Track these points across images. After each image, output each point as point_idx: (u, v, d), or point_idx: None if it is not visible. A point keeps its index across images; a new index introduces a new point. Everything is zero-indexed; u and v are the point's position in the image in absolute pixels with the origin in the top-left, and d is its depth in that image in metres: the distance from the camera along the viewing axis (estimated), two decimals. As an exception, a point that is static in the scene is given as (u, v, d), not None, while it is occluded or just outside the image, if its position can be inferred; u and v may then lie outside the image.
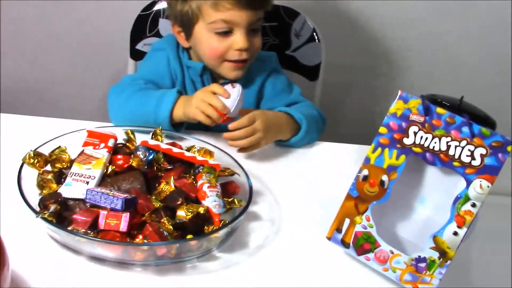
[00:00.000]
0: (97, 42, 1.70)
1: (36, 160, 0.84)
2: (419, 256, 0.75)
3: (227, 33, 1.12)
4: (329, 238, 0.82)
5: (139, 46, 1.44)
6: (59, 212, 0.78)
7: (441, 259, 0.73)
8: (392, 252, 0.77)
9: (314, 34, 1.42)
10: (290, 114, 1.11)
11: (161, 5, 1.39)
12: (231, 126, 1.03)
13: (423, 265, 0.74)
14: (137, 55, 1.42)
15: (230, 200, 0.86)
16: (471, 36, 1.63)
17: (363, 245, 0.79)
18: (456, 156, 0.73)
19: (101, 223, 0.76)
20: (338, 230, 0.81)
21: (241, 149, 1.06)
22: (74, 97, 1.77)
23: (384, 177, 0.77)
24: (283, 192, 0.97)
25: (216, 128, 1.09)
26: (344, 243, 0.80)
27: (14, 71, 1.74)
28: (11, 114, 1.09)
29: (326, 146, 1.14)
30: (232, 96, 1.02)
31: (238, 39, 1.12)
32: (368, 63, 1.69)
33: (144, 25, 1.43)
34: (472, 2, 1.59)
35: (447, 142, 0.74)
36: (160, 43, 1.26)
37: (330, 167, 1.06)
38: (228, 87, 1.04)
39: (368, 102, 1.73)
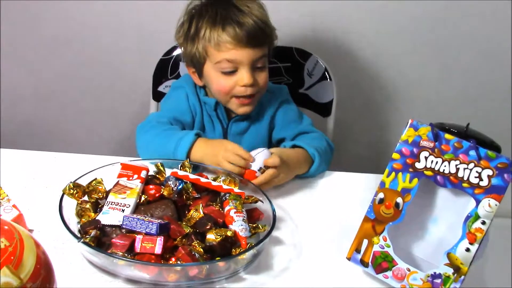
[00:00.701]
0: (122, 85, 1.80)
1: (75, 191, 0.91)
2: (435, 273, 0.79)
3: (232, 72, 1.20)
4: (349, 259, 0.87)
5: (161, 88, 1.53)
6: (98, 237, 0.84)
7: (455, 275, 0.78)
8: (409, 270, 0.81)
9: (326, 73, 1.50)
10: (304, 149, 1.18)
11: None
12: (256, 182, 1.05)
13: (438, 281, 0.79)
14: (159, 96, 1.51)
15: (254, 225, 0.92)
16: (477, 69, 1.71)
17: (381, 264, 0.84)
18: (465, 178, 0.79)
19: (137, 247, 0.81)
20: (357, 250, 0.86)
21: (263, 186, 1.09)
22: (99, 136, 1.85)
23: (399, 200, 0.83)
24: (303, 218, 1.02)
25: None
26: (363, 263, 0.85)
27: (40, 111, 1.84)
28: (46, 151, 1.17)
29: (340, 176, 1.21)
30: (256, 160, 1.07)
31: (243, 76, 1.20)
32: (378, 98, 1.77)
33: (166, 69, 1.52)
34: (477, 36, 1.67)
35: (456, 165, 0.79)
36: (179, 82, 1.35)
37: (345, 195, 1.12)
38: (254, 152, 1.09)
39: (378, 133, 1.79)
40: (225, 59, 1.19)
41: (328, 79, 1.50)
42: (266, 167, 1.07)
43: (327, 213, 1.06)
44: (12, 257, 0.62)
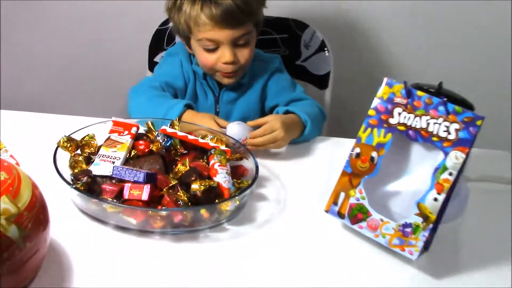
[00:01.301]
0: (117, 56, 1.94)
1: (69, 145, 1.04)
2: (406, 222, 0.91)
3: (214, 48, 1.33)
4: (327, 211, 0.99)
5: (157, 59, 1.65)
6: (89, 186, 0.97)
7: (424, 223, 0.90)
8: (382, 220, 0.93)
9: (323, 45, 1.62)
10: (296, 114, 1.30)
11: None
12: (251, 135, 1.19)
13: (409, 229, 0.91)
14: (155, 67, 1.63)
15: (239, 181, 1.05)
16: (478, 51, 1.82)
17: (356, 215, 0.96)
18: (435, 132, 0.90)
19: (126, 193, 0.94)
20: (335, 203, 0.98)
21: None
22: (95, 107, 1.99)
23: (374, 154, 0.95)
24: (289, 178, 1.15)
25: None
26: (340, 214, 0.98)
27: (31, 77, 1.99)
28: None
29: (330, 141, 1.34)
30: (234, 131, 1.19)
31: (224, 54, 1.32)
32: (376, 70, 1.89)
33: (162, 39, 1.65)
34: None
35: (427, 120, 0.91)
36: (174, 48, 1.48)
37: (333, 159, 1.24)
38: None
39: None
40: (205, 38, 1.31)
41: (326, 51, 1.62)
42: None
43: (313, 174, 1.18)
44: (10, 188, 0.75)
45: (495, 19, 1.78)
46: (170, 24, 1.61)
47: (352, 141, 0.98)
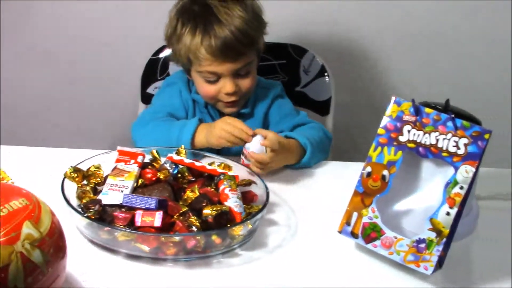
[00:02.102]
0: (109, 86, 2.07)
1: (76, 175, 1.15)
2: (419, 238, 1.02)
3: (215, 80, 1.45)
4: (340, 232, 1.10)
5: (150, 90, 1.76)
6: (99, 216, 1.07)
7: (437, 238, 1.01)
8: (395, 238, 1.04)
9: (323, 69, 1.74)
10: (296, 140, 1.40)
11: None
12: (251, 165, 1.31)
13: (423, 245, 1.02)
14: (148, 98, 1.73)
15: (249, 206, 1.15)
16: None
17: (370, 234, 1.06)
18: (444, 148, 1.02)
19: (138, 220, 1.04)
20: (348, 223, 1.09)
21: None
22: (89, 138, 2.10)
23: (385, 172, 1.07)
24: (299, 204, 1.26)
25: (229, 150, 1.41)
26: (353, 234, 1.08)
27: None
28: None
29: (337, 165, 1.46)
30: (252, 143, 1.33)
31: (225, 85, 1.45)
32: (377, 94, 2.03)
33: (155, 69, 1.76)
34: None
35: (436, 136, 1.03)
36: (172, 78, 1.61)
37: (341, 182, 1.34)
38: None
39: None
40: (206, 71, 1.44)
41: (326, 76, 1.75)
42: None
43: (321, 197, 1.30)
44: (32, 214, 0.85)
45: (495, 43, 1.94)
46: (163, 54, 1.74)
47: (359, 164, 1.10)
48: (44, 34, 2.01)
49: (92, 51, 2.03)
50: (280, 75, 1.77)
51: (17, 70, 2.06)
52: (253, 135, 1.32)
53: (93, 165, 1.18)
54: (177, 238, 1.03)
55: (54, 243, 0.87)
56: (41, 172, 1.29)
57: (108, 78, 2.05)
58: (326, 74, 1.74)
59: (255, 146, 1.31)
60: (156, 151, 1.23)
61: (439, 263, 1.04)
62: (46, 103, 2.12)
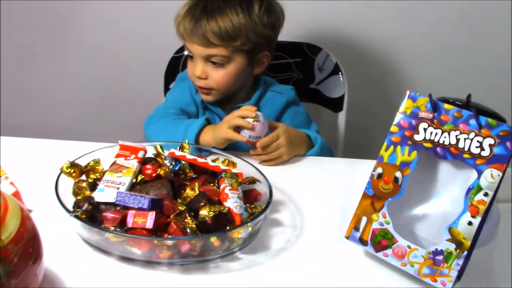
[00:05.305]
0: (133, 84, 1.82)
1: (73, 170, 0.90)
2: (436, 249, 0.75)
3: (192, 57, 1.22)
4: (347, 237, 0.83)
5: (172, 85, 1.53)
6: (91, 213, 0.83)
7: (457, 250, 0.74)
8: (409, 247, 0.77)
9: (337, 68, 1.48)
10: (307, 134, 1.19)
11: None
12: (258, 144, 1.10)
13: (440, 257, 0.75)
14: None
15: (252, 206, 0.90)
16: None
17: (380, 242, 0.80)
18: (466, 148, 0.75)
19: (129, 221, 0.80)
20: (356, 228, 0.82)
21: (265, 162, 1.12)
22: (110, 133, 1.87)
23: (398, 174, 0.79)
24: (304, 202, 0.99)
25: (237, 148, 1.16)
26: (362, 241, 0.82)
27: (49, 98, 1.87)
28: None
29: (344, 162, 1.20)
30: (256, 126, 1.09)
31: (196, 66, 1.21)
32: (390, 92, 1.74)
33: (177, 66, 1.53)
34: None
35: (456, 136, 0.76)
36: (184, 73, 1.35)
37: (349, 180, 1.09)
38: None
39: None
40: (185, 45, 1.23)
41: (340, 74, 1.48)
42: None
43: (330, 197, 1.02)
44: (-7, 218, 0.62)
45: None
46: (185, 52, 1.50)
47: (371, 162, 0.83)
48: (65, 31, 1.78)
49: (114, 52, 1.80)
50: (295, 72, 1.51)
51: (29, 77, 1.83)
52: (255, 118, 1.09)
53: (92, 160, 0.93)
54: (170, 242, 0.78)
55: (21, 250, 0.64)
56: (41, 166, 1.05)
57: (132, 76, 1.81)
58: (339, 72, 1.48)
59: (257, 128, 1.09)
60: (160, 146, 0.98)
61: (458, 276, 0.76)
62: (63, 103, 1.89)
